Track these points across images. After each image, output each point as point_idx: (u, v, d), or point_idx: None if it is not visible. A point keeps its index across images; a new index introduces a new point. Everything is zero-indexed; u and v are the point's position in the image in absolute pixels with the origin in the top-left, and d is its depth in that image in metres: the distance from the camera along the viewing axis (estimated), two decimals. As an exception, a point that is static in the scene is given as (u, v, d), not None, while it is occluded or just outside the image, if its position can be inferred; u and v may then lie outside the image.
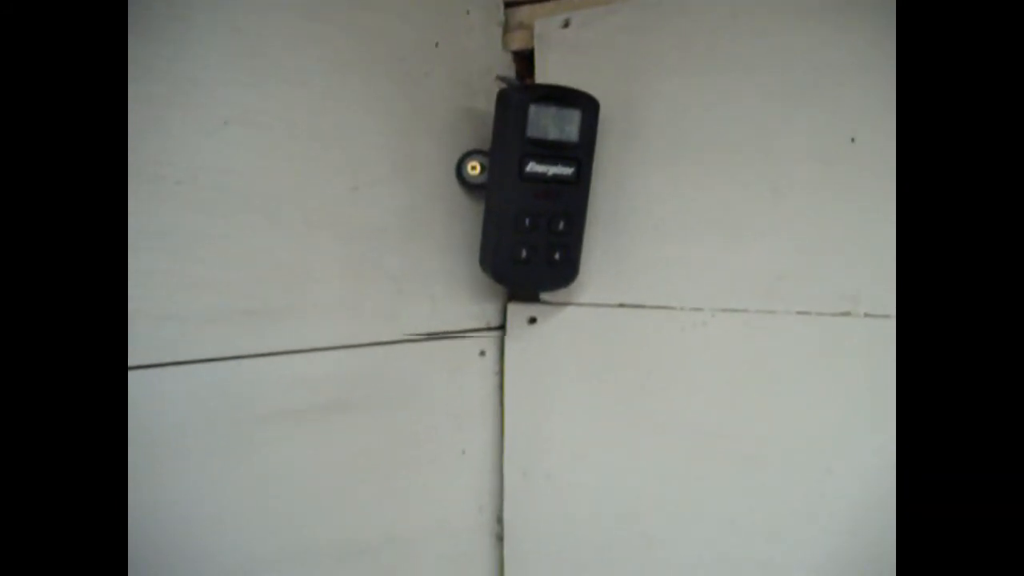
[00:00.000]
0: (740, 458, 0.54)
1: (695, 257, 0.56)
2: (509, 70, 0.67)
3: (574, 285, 0.61)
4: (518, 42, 0.66)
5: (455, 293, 0.64)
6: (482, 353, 0.66)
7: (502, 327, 0.67)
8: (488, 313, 0.67)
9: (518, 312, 0.65)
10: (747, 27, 0.53)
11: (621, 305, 0.60)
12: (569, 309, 0.62)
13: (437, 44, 0.61)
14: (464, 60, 0.63)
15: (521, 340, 0.65)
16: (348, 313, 0.56)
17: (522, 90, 0.55)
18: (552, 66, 0.63)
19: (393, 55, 0.58)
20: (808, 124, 0.51)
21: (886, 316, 0.48)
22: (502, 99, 0.56)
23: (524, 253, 0.57)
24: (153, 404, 0.45)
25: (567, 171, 0.56)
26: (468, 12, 0.63)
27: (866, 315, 0.49)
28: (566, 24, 0.62)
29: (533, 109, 0.54)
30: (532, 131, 0.55)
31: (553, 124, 0.55)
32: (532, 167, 0.55)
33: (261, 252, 0.50)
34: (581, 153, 0.57)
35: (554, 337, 0.63)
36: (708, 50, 0.55)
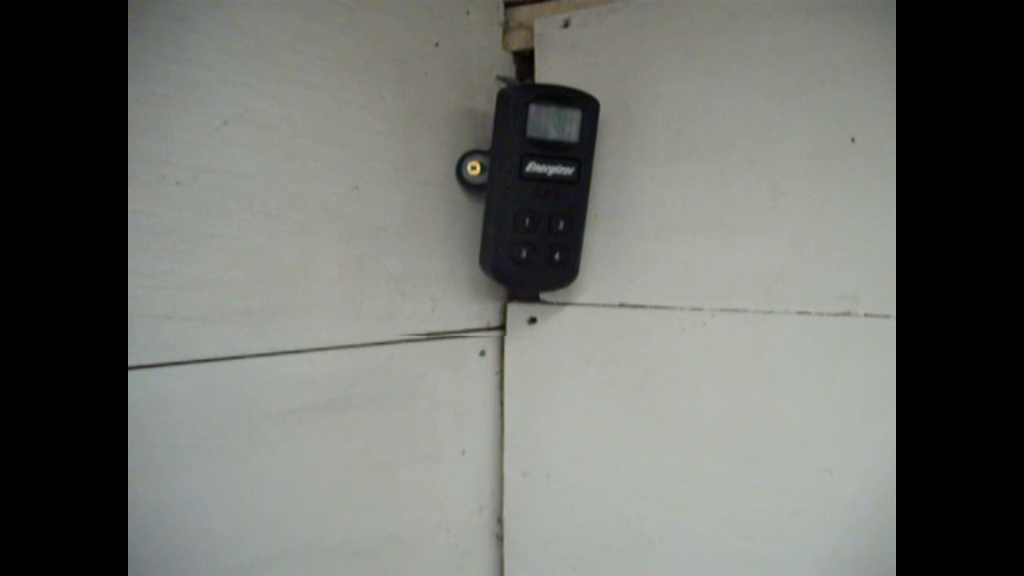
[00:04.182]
0: (740, 458, 0.54)
1: (695, 257, 0.56)
2: (509, 70, 0.67)
3: (574, 285, 0.61)
4: (518, 42, 0.66)
5: (455, 293, 0.64)
6: (482, 353, 0.66)
7: (502, 327, 0.67)
8: (488, 313, 0.67)
9: (518, 312, 0.65)
10: (747, 27, 0.54)
11: (621, 305, 0.60)
12: (569, 309, 0.62)
13: (437, 44, 0.61)
14: (464, 60, 0.63)
15: (521, 340, 0.65)
16: (348, 313, 0.56)
17: (522, 90, 0.55)
18: (552, 66, 0.63)
19: (393, 55, 0.58)
20: (808, 124, 0.51)
21: (886, 316, 0.48)
22: (502, 99, 0.56)
23: (524, 253, 0.57)
24: (153, 404, 0.45)
25: (567, 171, 0.56)
26: (468, 12, 0.63)
27: (866, 315, 0.49)
28: (566, 24, 0.62)
29: (533, 109, 0.55)
30: (532, 131, 0.55)
31: (553, 124, 0.55)
32: (532, 167, 0.55)
33: (261, 252, 0.50)
34: (581, 153, 0.57)
35: (554, 337, 0.63)
36: (708, 50, 0.55)
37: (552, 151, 0.56)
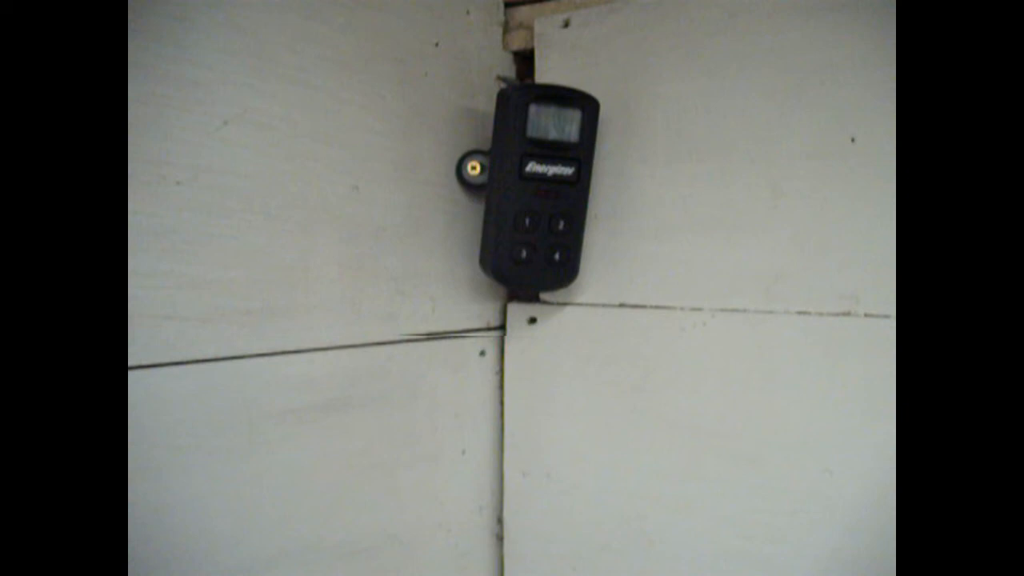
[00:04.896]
0: (740, 458, 0.54)
1: (695, 257, 0.56)
2: (509, 70, 0.67)
3: (574, 285, 0.61)
4: (518, 42, 0.66)
5: (455, 293, 0.64)
6: (482, 353, 0.66)
7: (502, 327, 0.67)
8: (488, 313, 0.67)
9: (518, 312, 0.65)
10: (747, 27, 0.54)
11: (621, 305, 0.60)
12: (569, 309, 0.62)
13: (437, 44, 0.61)
14: (464, 60, 0.63)
15: (521, 340, 0.65)
16: (348, 313, 0.56)
17: (522, 90, 0.55)
18: (552, 66, 0.63)
19: (393, 55, 0.58)
20: (808, 124, 0.51)
21: (886, 316, 0.48)
22: (502, 99, 0.56)
23: (524, 253, 0.57)
24: (153, 404, 0.45)
25: (567, 171, 0.56)
26: (468, 12, 0.63)
27: (866, 315, 0.49)
28: (566, 24, 0.62)
29: (533, 109, 0.55)
30: (532, 131, 0.55)
31: (553, 124, 0.55)
32: (532, 167, 0.55)
33: (261, 252, 0.50)
34: (581, 153, 0.57)
35: (554, 337, 0.63)
36: (708, 50, 0.55)
37: (552, 151, 0.56)
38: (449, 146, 0.62)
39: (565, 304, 0.63)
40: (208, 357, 0.48)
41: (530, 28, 0.65)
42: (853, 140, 0.49)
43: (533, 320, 0.64)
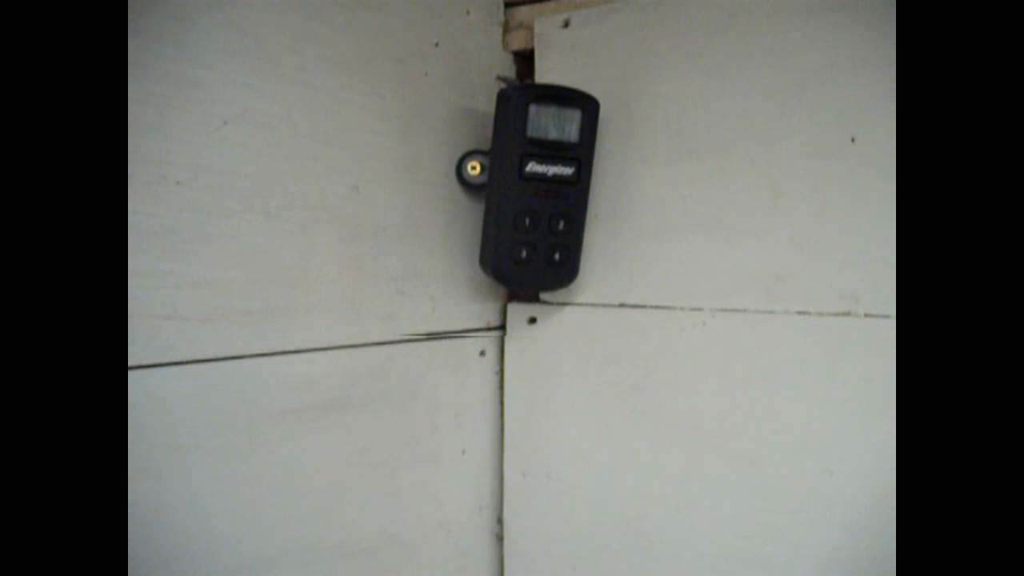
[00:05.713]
0: (740, 458, 0.54)
1: (695, 257, 0.56)
2: (509, 70, 0.67)
3: (574, 285, 0.61)
4: (518, 42, 0.66)
5: (455, 293, 0.64)
6: (482, 353, 0.66)
7: (502, 327, 0.67)
8: (488, 313, 0.67)
9: (518, 312, 0.65)
10: (747, 27, 0.54)
11: (621, 305, 0.60)
12: (569, 309, 0.62)
13: (437, 44, 0.61)
14: (464, 60, 0.63)
15: (521, 340, 0.65)
16: (348, 313, 0.56)
17: (522, 90, 0.55)
18: (552, 66, 0.63)
19: (393, 55, 0.58)
20: (808, 124, 0.51)
21: (886, 316, 0.48)
22: (502, 99, 0.56)
23: (524, 253, 0.57)
24: (153, 404, 0.45)
25: (567, 171, 0.56)
26: (468, 12, 0.63)
27: (866, 315, 0.49)
28: (566, 24, 0.62)
29: (533, 109, 0.55)
30: (532, 131, 0.55)
31: (553, 124, 0.55)
32: (532, 167, 0.55)
33: (261, 252, 0.50)
34: (581, 153, 0.57)
35: (554, 337, 0.63)
36: (708, 50, 0.55)
37: (552, 151, 0.56)
38: (449, 146, 0.62)
39: (565, 304, 0.63)
40: (208, 357, 0.48)
41: (530, 28, 0.65)
42: (853, 140, 0.49)
43: (533, 320, 0.64)
